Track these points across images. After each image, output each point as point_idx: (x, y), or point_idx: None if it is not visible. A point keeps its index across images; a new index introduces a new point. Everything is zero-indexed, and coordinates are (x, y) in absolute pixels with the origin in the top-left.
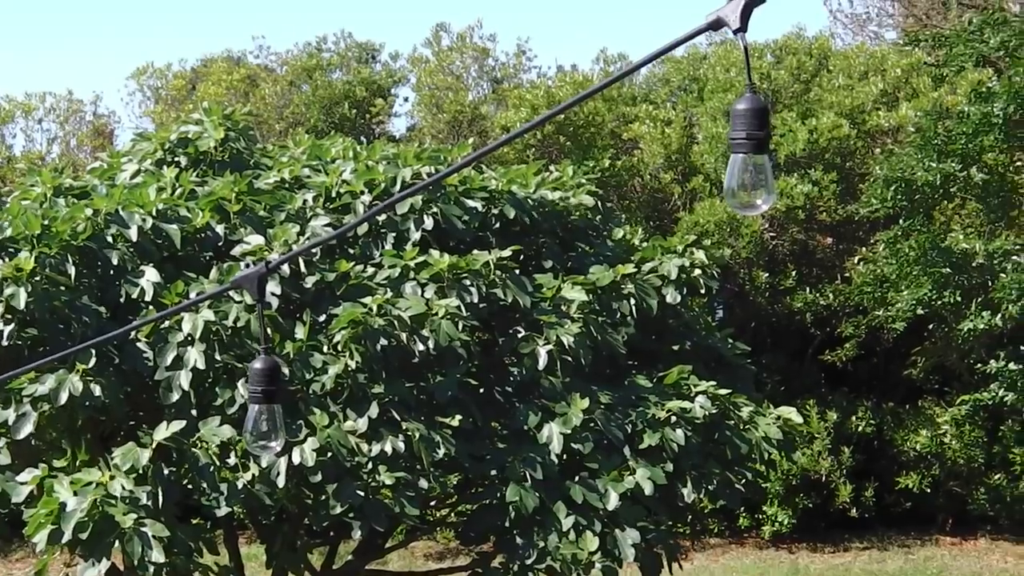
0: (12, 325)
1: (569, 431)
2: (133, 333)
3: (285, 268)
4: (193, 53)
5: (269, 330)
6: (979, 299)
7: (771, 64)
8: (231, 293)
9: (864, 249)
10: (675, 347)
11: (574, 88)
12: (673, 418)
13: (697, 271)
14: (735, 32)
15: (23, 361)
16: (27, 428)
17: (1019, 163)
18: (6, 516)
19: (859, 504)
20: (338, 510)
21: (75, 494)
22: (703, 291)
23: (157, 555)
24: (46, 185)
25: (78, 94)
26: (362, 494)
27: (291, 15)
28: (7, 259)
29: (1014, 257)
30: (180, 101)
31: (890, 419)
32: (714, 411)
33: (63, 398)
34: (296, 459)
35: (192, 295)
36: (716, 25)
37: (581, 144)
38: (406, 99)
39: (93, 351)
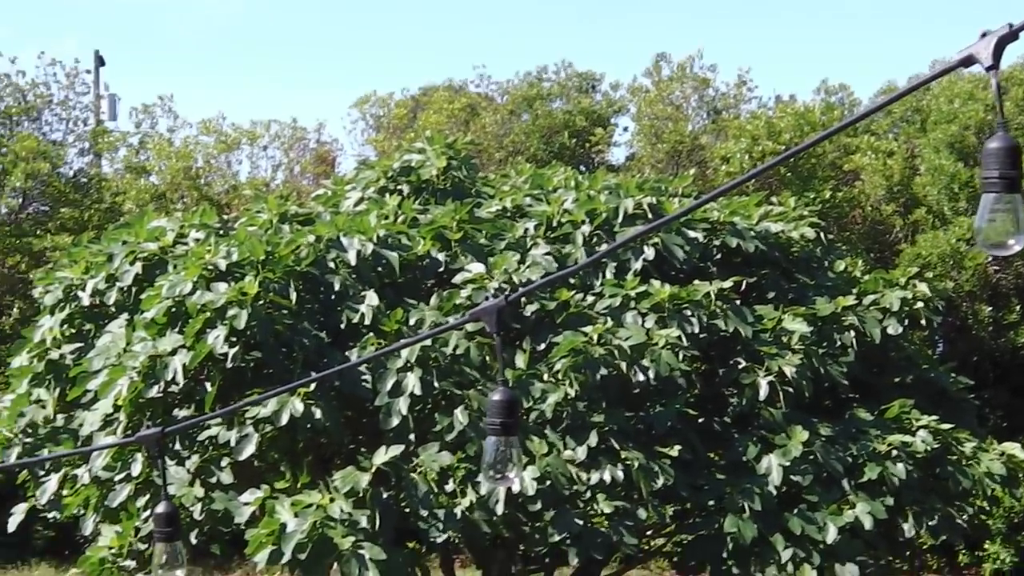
0: (236, 348)
1: (788, 463)
2: (353, 357)
3: None
4: (415, 82)
5: (488, 358)
6: None
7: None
8: (449, 320)
9: None
10: (896, 380)
11: (795, 119)
12: (894, 452)
13: (920, 304)
14: (987, 69)
15: (246, 383)
16: (249, 449)
17: None
18: (227, 534)
19: None
20: (556, 538)
21: (296, 515)
22: (924, 324)
23: None
24: (272, 212)
25: (302, 122)
26: (580, 522)
27: (512, 45)
28: (233, 283)
29: None
30: (402, 129)
31: None
32: (936, 446)
33: (284, 420)
34: (515, 487)
35: (411, 321)
36: (968, 62)
37: (801, 175)
38: (625, 129)
39: (313, 373)
